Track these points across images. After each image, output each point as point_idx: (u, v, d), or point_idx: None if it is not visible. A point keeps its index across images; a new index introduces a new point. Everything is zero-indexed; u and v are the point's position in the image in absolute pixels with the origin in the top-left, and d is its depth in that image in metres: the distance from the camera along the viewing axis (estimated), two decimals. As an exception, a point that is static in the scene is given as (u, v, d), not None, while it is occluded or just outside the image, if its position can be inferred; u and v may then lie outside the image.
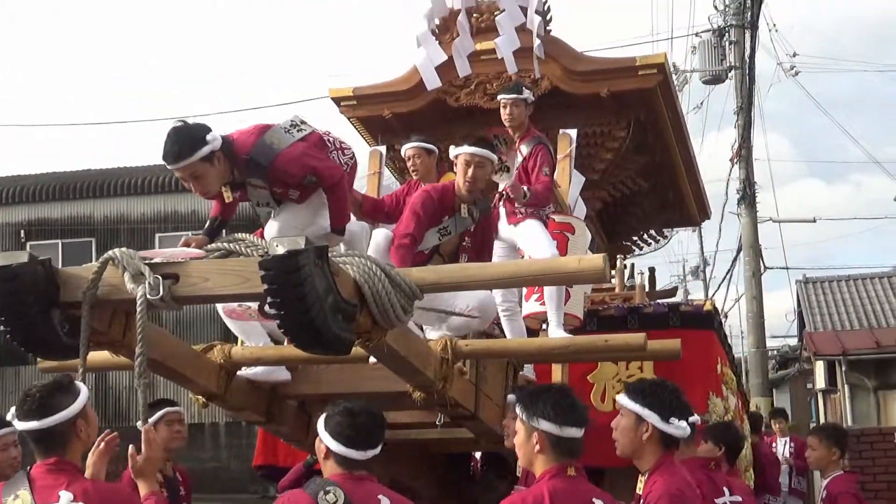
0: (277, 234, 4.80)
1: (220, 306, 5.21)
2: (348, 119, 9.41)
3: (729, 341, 8.49)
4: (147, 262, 3.89)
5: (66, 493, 3.48)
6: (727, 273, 27.84)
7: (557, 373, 6.94)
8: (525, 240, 6.51)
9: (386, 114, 9.19)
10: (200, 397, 5.18)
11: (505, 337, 6.25)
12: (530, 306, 6.76)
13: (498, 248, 6.56)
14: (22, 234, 22.52)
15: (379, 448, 3.79)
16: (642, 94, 8.80)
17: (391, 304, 4.02)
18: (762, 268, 19.81)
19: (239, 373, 5.35)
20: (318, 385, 5.62)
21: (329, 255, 3.80)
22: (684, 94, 22.15)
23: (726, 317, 23.53)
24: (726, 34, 20.48)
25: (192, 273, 3.89)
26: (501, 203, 6.70)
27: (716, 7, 20.61)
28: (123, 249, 3.91)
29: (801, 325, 23.12)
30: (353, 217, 5.43)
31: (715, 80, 21.92)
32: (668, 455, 3.93)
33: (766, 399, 18.69)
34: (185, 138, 4.62)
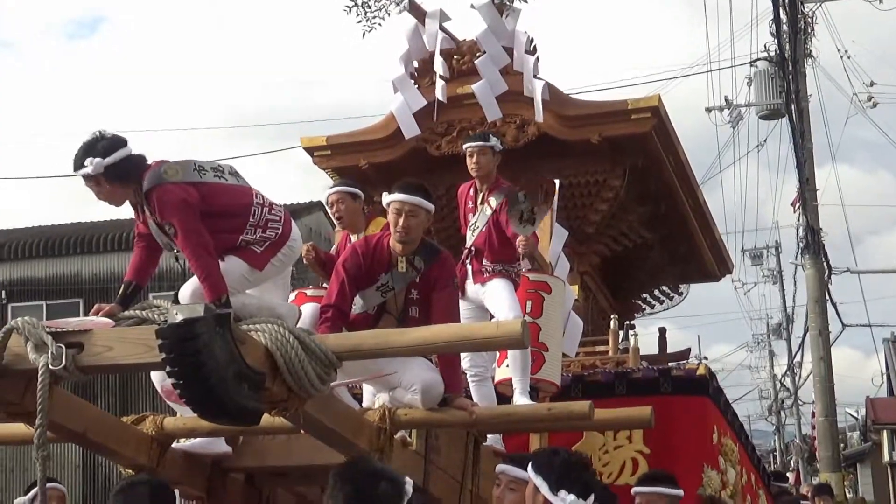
0: (190, 297, 5.11)
1: (157, 384, 5.51)
2: (323, 169, 9.74)
3: (731, 408, 8.65)
4: (51, 331, 4.23)
5: None
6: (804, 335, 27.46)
7: (536, 443, 7.18)
8: (491, 301, 6.78)
9: (362, 164, 9.50)
10: (129, 470, 5.49)
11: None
12: (502, 372, 7.02)
13: (465, 310, 6.82)
14: (3, 295, 22.70)
15: None
16: (637, 139, 9.05)
17: (305, 372, 4.31)
18: (840, 325, 19.42)
19: (174, 445, 5.64)
20: (264, 457, 5.87)
21: (234, 322, 4.13)
22: (740, 130, 21.97)
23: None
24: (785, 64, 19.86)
25: (96, 342, 4.21)
26: (469, 260, 7.00)
27: (772, 34, 19.60)
28: (27, 318, 4.24)
29: (891, 390, 22.75)
30: (285, 297, 5.67)
31: (774, 114, 21.76)
32: None
33: (838, 475, 18.33)
34: (80, 152, 5.02)
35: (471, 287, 6.90)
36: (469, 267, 6.94)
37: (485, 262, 6.89)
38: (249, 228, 5.16)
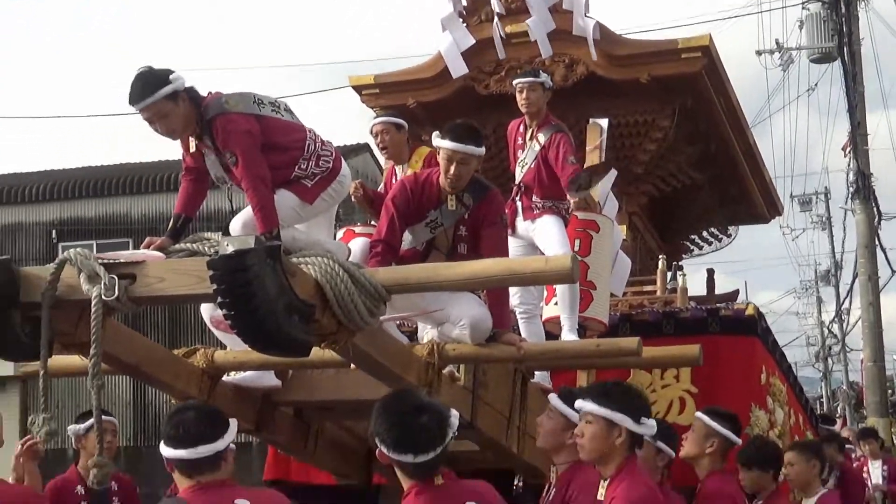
0: (241, 229, 5.14)
1: (206, 315, 5.56)
2: (371, 108, 9.75)
3: (779, 349, 8.61)
4: (103, 262, 4.28)
5: None
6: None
7: (583, 381, 7.20)
8: (541, 237, 6.80)
9: (410, 103, 9.50)
10: (178, 403, 5.55)
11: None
12: (550, 310, 7.03)
13: (515, 247, 6.84)
14: (53, 234, 22.90)
15: (220, 442, 3.72)
16: (687, 78, 8.98)
17: (354, 305, 4.35)
18: (889, 271, 19.41)
19: (224, 378, 5.71)
20: (313, 391, 5.92)
21: (284, 254, 4.16)
22: (791, 74, 21.82)
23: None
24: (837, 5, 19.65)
25: (148, 274, 4.27)
26: (519, 197, 7.00)
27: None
28: (79, 250, 4.31)
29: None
30: (330, 236, 5.69)
31: (825, 57, 21.53)
32: (633, 458, 4.25)
33: (885, 420, 18.32)
34: (149, 79, 4.97)
35: (521, 224, 6.93)
36: (519, 203, 6.96)
37: (534, 198, 6.91)
38: (302, 162, 5.18)
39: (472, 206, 5.59)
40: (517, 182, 7.00)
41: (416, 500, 3.70)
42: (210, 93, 5.12)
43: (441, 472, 3.75)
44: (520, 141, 7.08)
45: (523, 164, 6.99)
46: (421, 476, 3.70)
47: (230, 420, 3.90)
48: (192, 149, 5.16)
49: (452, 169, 5.48)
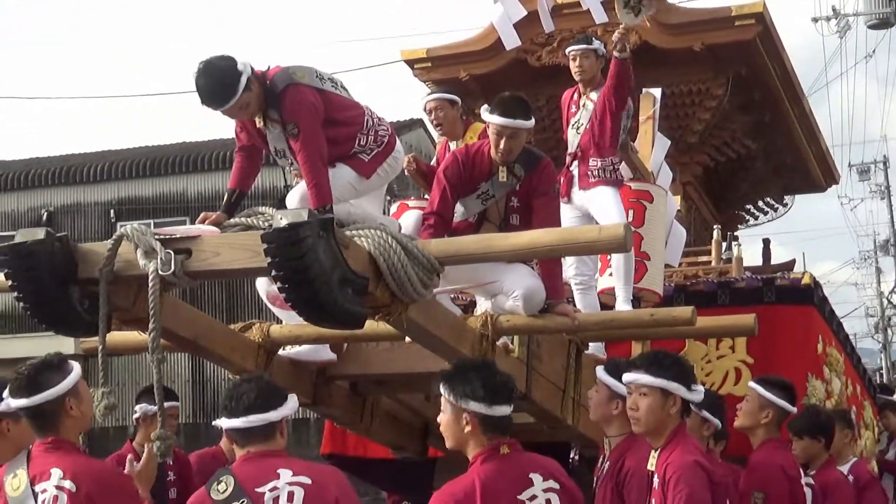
0: (299, 202, 5.15)
1: (262, 291, 5.61)
2: (423, 82, 9.75)
3: (836, 318, 8.52)
4: (160, 238, 4.33)
5: (56, 471, 3.91)
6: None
7: (637, 352, 7.18)
8: (596, 208, 6.76)
9: (462, 75, 9.50)
10: (238, 377, 5.61)
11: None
12: (605, 281, 7.01)
13: (570, 217, 6.81)
14: (112, 214, 23.09)
15: (273, 414, 3.84)
16: (741, 46, 8.89)
17: (407, 277, 4.37)
18: None
19: (280, 352, 5.76)
20: (368, 365, 5.96)
21: (337, 227, 4.18)
22: (848, 41, 21.65)
23: None
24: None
25: (203, 248, 4.31)
26: (575, 165, 6.95)
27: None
28: (136, 226, 4.36)
29: None
30: (386, 209, 5.71)
31: (883, 24, 21.28)
32: (683, 425, 4.25)
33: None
34: (222, 77, 4.98)
35: (576, 193, 6.89)
36: (575, 172, 6.91)
37: (591, 161, 6.84)
38: (360, 137, 5.22)
39: (523, 177, 5.56)
40: (571, 150, 6.94)
41: (481, 468, 3.90)
42: (269, 66, 5.15)
43: (507, 442, 3.95)
44: (573, 109, 7.02)
45: (577, 125, 6.94)
46: (501, 433, 3.95)
47: (289, 395, 3.99)
48: (259, 124, 5.19)
49: (502, 144, 5.44)
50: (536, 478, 3.95)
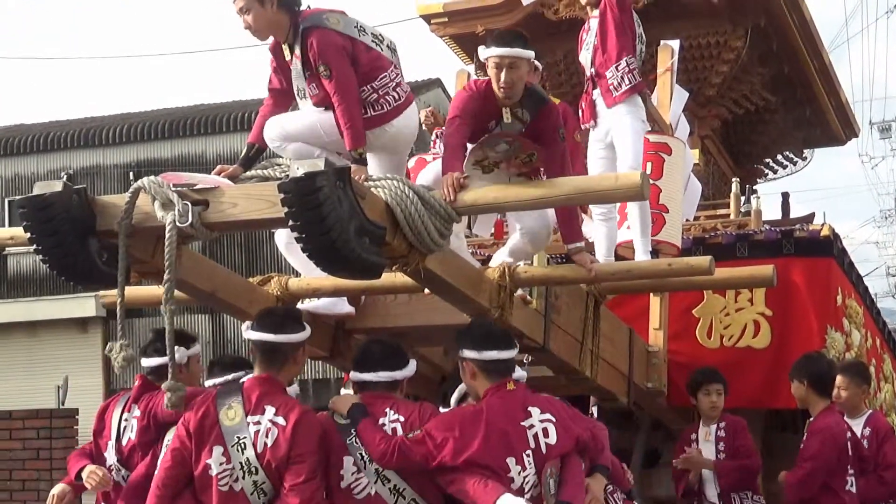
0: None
1: (281, 245, 5.61)
2: (440, 38, 9.69)
3: (856, 270, 8.48)
4: (177, 189, 4.32)
5: (270, 408, 4.52)
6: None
7: (656, 305, 7.17)
8: (618, 142, 6.55)
9: (479, 30, 9.41)
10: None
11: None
12: (623, 234, 6.97)
13: (596, 147, 6.66)
14: (131, 176, 23.09)
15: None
16: (759, -3, 8.80)
17: (424, 227, 4.37)
18: None
19: (298, 305, 5.76)
20: (386, 318, 5.96)
21: (354, 177, 4.16)
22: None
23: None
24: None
25: (220, 199, 4.29)
26: (594, 87, 6.68)
27: None
28: (153, 178, 4.34)
29: None
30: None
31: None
32: None
33: None
34: None
35: (602, 115, 6.63)
36: (596, 96, 6.67)
37: (608, 74, 6.57)
38: (366, 88, 5.12)
39: (528, 122, 5.35)
40: (588, 74, 6.76)
41: (488, 400, 4.48)
42: (310, 7, 5.14)
43: (513, 380, 4.55)
44: (584, 37, 6.82)
45: (588, 45, 6.72)
46: (499, 375, 4.52)
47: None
48: (287, 56, 5.17)
49: (503, 76, 5.19)
50: (535, 410, 4.48)
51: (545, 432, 4.46)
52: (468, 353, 4.57)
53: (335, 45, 5.00)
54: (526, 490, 4.38)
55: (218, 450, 4.52)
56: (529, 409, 4.49)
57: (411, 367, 4.80)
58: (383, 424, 4.51)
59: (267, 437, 4.48)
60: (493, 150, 5.13)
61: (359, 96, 5.04)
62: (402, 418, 4.54)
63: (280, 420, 4.50)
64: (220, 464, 4.52)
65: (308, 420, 4.55)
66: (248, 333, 4.75)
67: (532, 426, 4.46)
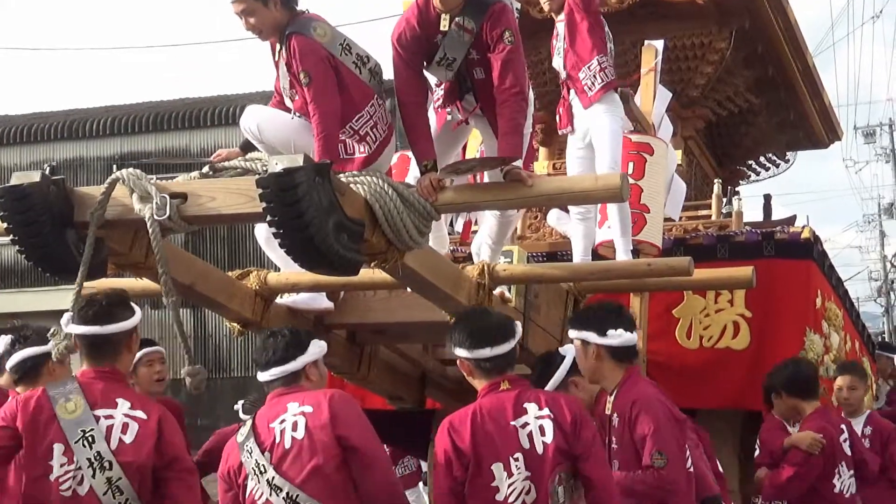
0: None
1: (261, 240, 5.61)
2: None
3: (836, 273, 8.51)
4: (154, 182, 4.33)
5: (123, 401, 4.31)
6: None
7: (636, 305, 7.18)
8: (596, 142, 6.51)
9: (464, 28, 9.36)
10: (235, 324, 5.63)
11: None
12: (603, 233, 6.98)
13: (575, 150, 6.63)
14: (114, 169, 23.02)
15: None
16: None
17: (403, 224, 4.39)
18: None
19: (278, 300, 5.77)
20: (365, 314, 5.98)
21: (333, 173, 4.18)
22: (855, 1, 21.42)
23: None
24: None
25: (199, 193, 4.32)
26: (569, 90, 6.64)
27: None
28: (131, 170, 4.36)
29: None
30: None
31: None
32: (633, 368, 4.95)
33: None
34: None
35: (579, 117, 6.59)
36: (571, 93, 6.64)
37: (580, 75, 6.52)
38: (346, 130, 5.02)
39: (475, 29, 5.09)
40: (562, 78, 6.71)
41: (480, 401, 4.37)
42: (308, 10, 5.10)
43: (509, 378, 4.42)
44: (554, 42, 6.79)
45: (559, 50, 6.68)
46: (495, 373, 4.41)
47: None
48: (275, 56, 5.15)
49: None
50: (531, 406, 4.33)
51: (541, 430, 4.28)
52: (460, 352, 4.47)
53: (315, 53, 4.90)
54: (511, 500, 4.24)
55: (58, 448, 4.21)
56: (525, 405, 4.32)
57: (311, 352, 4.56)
58: (283, 420, 4.31)
59: (124, 432, 4.25)
60: (464, 165, 5.09)
61: (336, 109, 4.92)
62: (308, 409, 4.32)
63: (139, 414, 4.30)
64: (62, 465, 4.20)
65: (168, 414, 4.44)
66: (72, 327, 4.42)
67: (526, 424, 4.29)
